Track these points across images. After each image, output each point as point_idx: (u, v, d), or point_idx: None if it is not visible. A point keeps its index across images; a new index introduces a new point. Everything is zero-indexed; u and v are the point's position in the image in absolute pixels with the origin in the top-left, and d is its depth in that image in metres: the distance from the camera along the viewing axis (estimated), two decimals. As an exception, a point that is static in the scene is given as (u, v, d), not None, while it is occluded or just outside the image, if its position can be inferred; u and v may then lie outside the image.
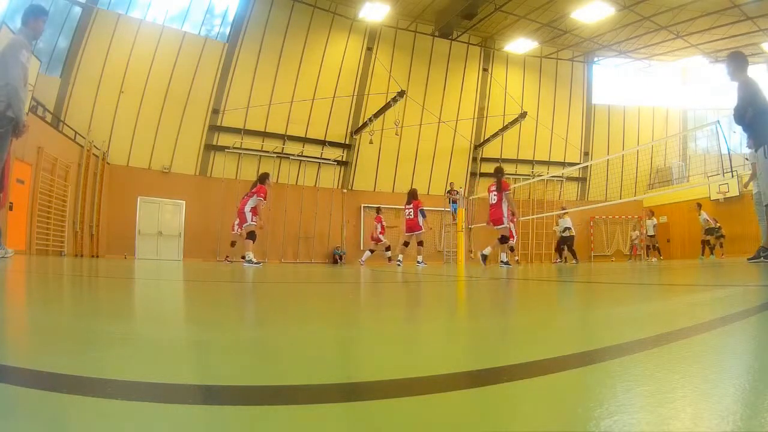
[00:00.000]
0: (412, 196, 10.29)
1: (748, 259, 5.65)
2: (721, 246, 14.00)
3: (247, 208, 7.80)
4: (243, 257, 7.90)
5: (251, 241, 7.75)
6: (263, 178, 8.00)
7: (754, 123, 4.72)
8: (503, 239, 8.12)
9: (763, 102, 4.72)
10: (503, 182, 8.26)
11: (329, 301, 2.09)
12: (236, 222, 12.25)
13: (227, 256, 12.46)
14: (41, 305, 1.59)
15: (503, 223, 8.13)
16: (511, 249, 10.56)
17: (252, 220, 7.77)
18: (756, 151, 4.78)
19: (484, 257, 8.17)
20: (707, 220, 14.35)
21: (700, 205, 14.65)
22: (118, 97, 13.61)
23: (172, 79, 14.44)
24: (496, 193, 8.25)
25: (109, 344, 0.84)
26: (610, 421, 0.43)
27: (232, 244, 11.79)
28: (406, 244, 10.28)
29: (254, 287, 2.80)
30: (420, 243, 10.15)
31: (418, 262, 9.92)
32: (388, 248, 11.46)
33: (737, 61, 4.96)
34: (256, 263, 7.40)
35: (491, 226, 8.42)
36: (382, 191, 17.58)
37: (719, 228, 14.21)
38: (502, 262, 8.33)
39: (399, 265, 9.70)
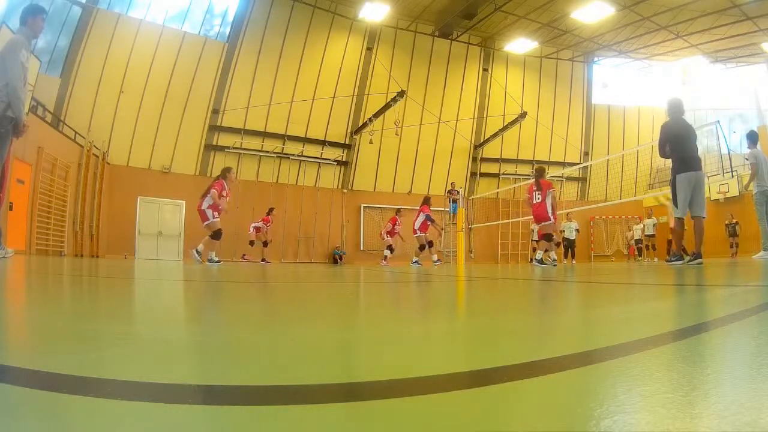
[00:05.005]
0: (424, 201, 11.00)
1: (666, 260, 6.11)
2: None
3: (205, 206, 7.43)
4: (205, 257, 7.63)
5: (216, 241, 7.47)
6: (223, 173, 7.76)
7: (672, 157, 5.79)
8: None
9: (679, 145, 5.69)
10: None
11: (329, 301, 2.09)
12: (252, 224, 12.83)
13: (244, 255, 12.93)
14: (41, 305, 1.59)
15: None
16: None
17: (214, 217, 7.42)
18: (671, 176, 5.77)
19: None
20: (645, 227, 15.79)
21: (652, 210, 15.90)
22: (118, 97, 13.62)
23: (172, 79, 14.44)
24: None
25: (109, 344, 0.84)
26: (610, 421, 0.43)
27: (251, 243, 13.11)
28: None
29: (253, 287, 2.80)
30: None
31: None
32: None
33: (671, 106, 5.93)
34: (216, 261, 7.33)
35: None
36: (382, 191, 17.58)
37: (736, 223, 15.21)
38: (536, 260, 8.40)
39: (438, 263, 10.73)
